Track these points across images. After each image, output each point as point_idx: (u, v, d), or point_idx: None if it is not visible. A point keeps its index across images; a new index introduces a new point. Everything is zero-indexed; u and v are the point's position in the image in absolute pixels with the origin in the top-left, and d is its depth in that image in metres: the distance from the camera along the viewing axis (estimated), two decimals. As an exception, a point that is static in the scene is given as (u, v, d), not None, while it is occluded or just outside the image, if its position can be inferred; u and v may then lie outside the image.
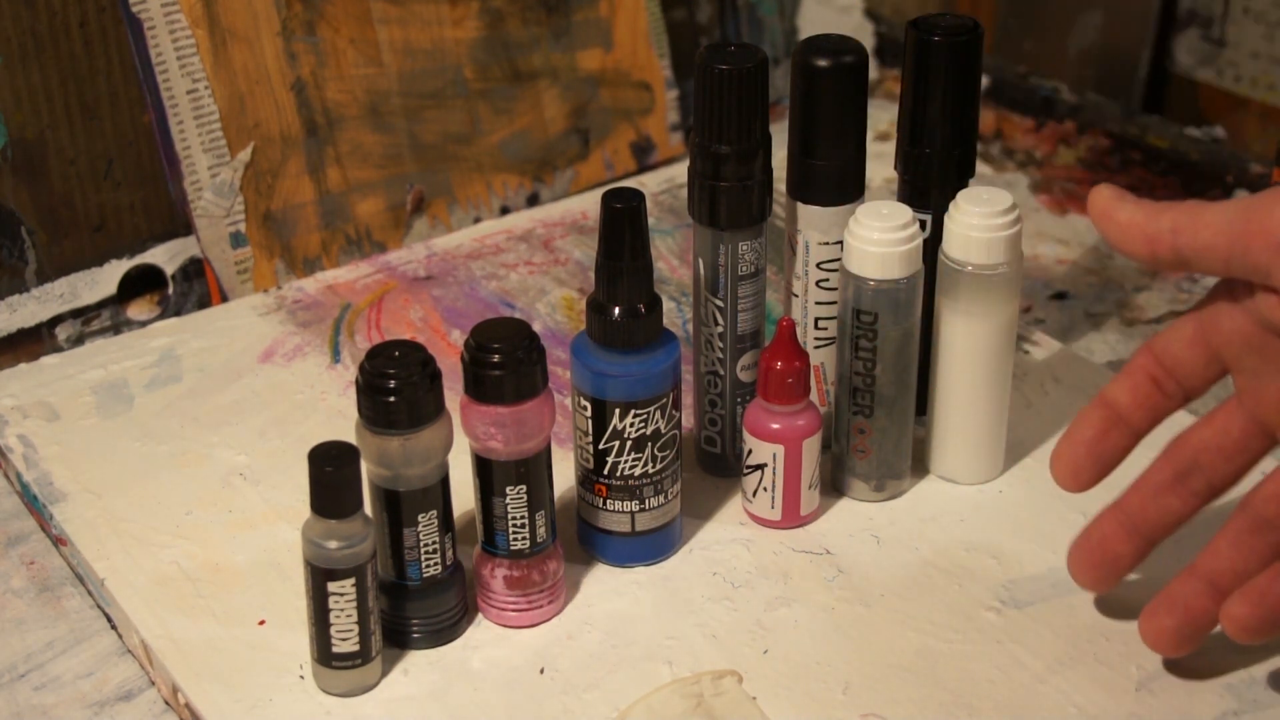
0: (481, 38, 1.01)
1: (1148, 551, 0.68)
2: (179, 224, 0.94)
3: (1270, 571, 0.64)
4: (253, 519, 0.77)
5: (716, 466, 0.80)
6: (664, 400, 0.71)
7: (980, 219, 0.74)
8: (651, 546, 0.74)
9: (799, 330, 0.78)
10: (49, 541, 0.79)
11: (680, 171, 1.07)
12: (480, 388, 0.67)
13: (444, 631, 0.70)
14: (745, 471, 0.76)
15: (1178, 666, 0.68)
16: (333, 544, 0.65)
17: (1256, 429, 0.65)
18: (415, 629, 0.69)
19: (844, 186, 0.76)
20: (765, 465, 0.75)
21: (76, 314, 0.92)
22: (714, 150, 0.73)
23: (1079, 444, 0.68)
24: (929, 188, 0.78)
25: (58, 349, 0.92)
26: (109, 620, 0.74)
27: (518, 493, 0.68)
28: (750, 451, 0.75)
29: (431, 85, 1.00)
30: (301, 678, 0.68)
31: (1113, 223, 0.65)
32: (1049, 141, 1.13)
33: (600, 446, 0.72)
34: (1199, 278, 0.97)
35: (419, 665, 0.69)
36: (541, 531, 0.70)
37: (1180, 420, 0.69)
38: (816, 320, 0.79)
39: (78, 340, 0.92)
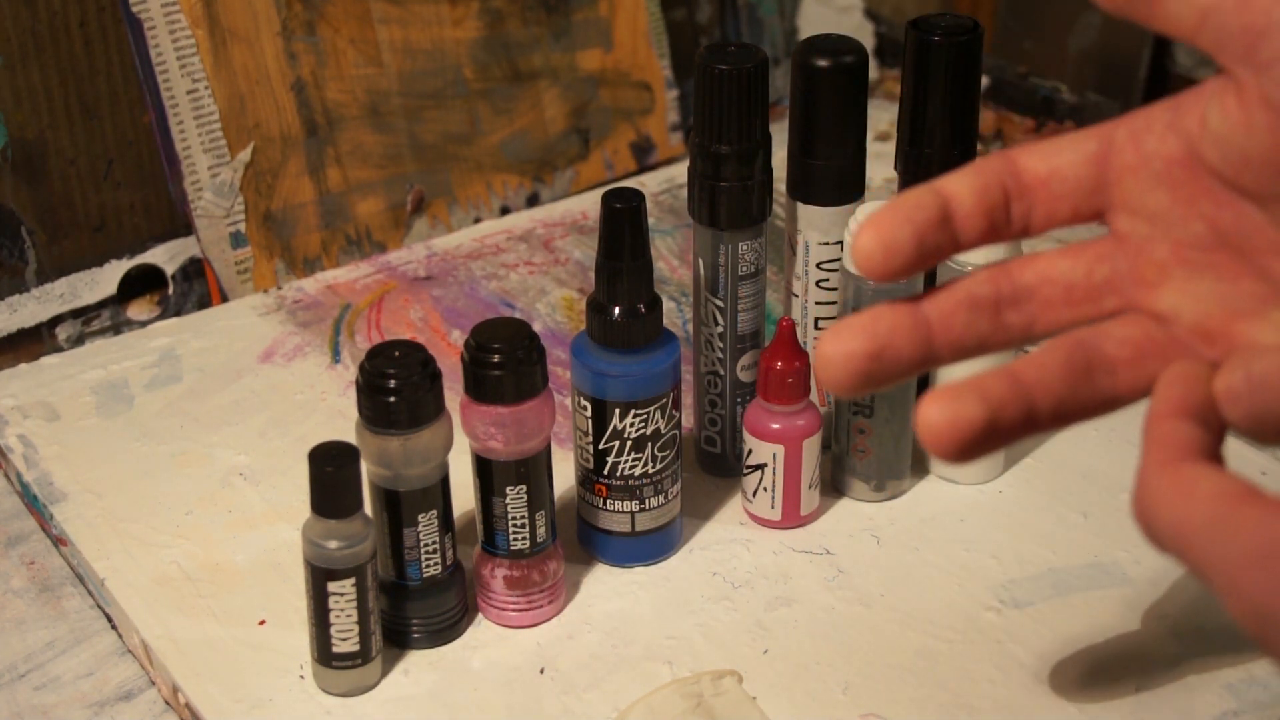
0: (481, 38, 1.01)
1: (924, 368, 0.52)
2: (179, 224, 0.94)
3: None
4: (253, 519, 0.77)
5: (716, 466, 0.80)
6: (664, 400, 0.71)
7: (980, 219, 0.73)
8: (651, 546, 0.74)
9: (799, 330, 0.78)
10: (49, 541, 0.79)
11: (680, 171, 1.07)
12: (480, 388, 0.67)
13: (444, 631, 0.70)
14: (745, 471, 0.76)
15: (1178, 666, 0.68)
16: (333, 544, 0.65)
17: (1121, 285, 0.52)
18: (415, 629, 0.69)
19: (844, 186, 0.76)
20: (765, 465, 0.75)
21: (76, 314, 0.92)
22: (714, 150, 0.73)
23: (902, 221, 0.50)
24: (929, 188, 0.78)
25: (58, 349, 0.92)
26: (109, 620, 0.74)
27: (518, 493, 0.68)
28: (750, 451, 0.75)
29: (431, 85, 1.00)
30: (301, 678, 0.68)
31: None
32: (1049, 141, 1.13)
33: (600, 446, 0.72)
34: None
35: (419, 665, 0.69)
36: (541, 531, 0.70)
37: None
38: (816, 320, 0.79)
39: (78, 340, 0.92)
